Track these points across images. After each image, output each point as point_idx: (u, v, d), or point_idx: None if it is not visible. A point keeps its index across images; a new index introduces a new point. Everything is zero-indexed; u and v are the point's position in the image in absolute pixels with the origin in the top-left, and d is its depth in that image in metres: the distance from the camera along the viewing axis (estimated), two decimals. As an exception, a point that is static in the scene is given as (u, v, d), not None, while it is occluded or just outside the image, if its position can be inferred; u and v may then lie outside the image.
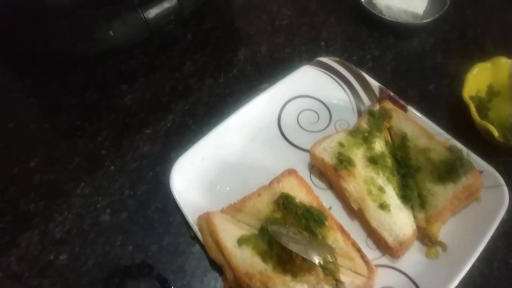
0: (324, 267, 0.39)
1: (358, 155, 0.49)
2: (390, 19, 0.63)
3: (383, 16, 0.63)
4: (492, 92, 0.55)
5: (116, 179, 0.50)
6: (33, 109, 0.57)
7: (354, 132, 0.50)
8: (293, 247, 0.40)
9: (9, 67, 0.59)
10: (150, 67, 0.60)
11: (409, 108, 0.53)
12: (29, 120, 0.55)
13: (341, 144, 0.49)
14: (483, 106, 0.54)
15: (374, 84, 0.55)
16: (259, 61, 0.61)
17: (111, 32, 0.48)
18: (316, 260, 0.39)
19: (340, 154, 0.48)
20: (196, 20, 0.64)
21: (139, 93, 0.57)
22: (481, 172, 0.47)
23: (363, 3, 0.65)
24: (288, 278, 0.41)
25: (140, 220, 0.48)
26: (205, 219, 0.45)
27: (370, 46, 0.63)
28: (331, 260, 0.40)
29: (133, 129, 0.54)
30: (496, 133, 0.48)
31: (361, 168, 0.48)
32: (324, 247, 0.41)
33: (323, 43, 0.63)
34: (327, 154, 0.49)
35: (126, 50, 0.58)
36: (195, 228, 0.45)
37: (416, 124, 0.51)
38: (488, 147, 0.51)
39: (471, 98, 0.52)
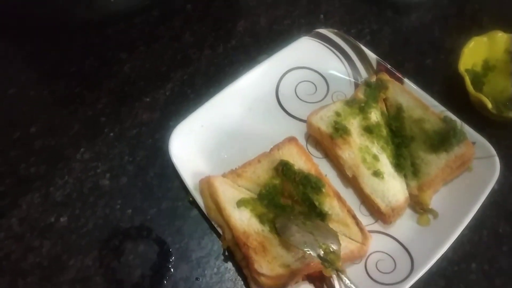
0: (324, 259, 0.39)
1: (354, 124, 0.49)
2: (389, -7, 0.62)
3: (382, -10, 0.63)
4: (488, 67, 0.55)
5: (116, 145, 0.50)
6: (33, 76, 0.56)
7: (351, 102, 0.50)
8: (294, 240, 0.40)
9: (9, 35, 0.58)
10: (150, 36, 0.59)
11: (406, 80, 0.53)
12: (29, 87, 0.55)
13: (337, 114, 0.49)
14: (478, 80, 0.54)
15: (372, 56, 0.55)
16: (258, 33, 0.60)
17: (111, -1, 0.47)
18: (316, 253, 0.39)
19: (336, 123, 0.48)
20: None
21: (139, 62, 0.57)
22: (474, 143, 0.47)
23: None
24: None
25: (139, 185, 0.48)
26: (206, 182, 0.45)
27: (369, 20, 0.62)
28: (334, 249, 0.40)
29: (132, 97, 0.54)
30: (489, 105, 0.48)
31: (357, 137, 0.48)
32: (329, 233, 0.41)
33: (322, 16, 0.62)
34: (323, 123, 0.49)
35: (126, 19, 0.57)
36: (194, 192, 0.46)
37: (411, 95, 0.51)
38: (482, 120, 0.51)
39: (467, 71, 0.52)
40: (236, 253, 0.42)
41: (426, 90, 0.52)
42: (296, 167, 0.45)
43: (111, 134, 0.51)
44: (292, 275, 0.40)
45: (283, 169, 0.45)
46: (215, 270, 0.43)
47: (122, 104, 0.53)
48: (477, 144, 0.47)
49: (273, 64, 0.55)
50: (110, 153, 0.50)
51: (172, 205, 0.47)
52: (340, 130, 0.48)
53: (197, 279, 0.43)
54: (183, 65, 0.57)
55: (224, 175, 0.47)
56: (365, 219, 0.45)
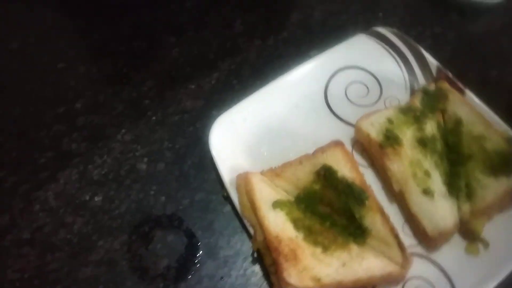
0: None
1: (407, 134, 0.44)
2: (458, -5, 0.56)
3: (450, -9, 0.56)
4: None
5: (157, 130, 0.48)
6: (83, 52, 0.55)
7: (405, 110, 0.45)
8: None
9: (63, 8, 0.57)
10: (200, 22, 0.56)
11: (467, 92, 0.47)
12: (78, 62, 0.53)
13: (390, 121, 0.45)
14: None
15: (432, 62, 0.49)
16: (312, 26, 0.56)
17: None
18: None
19: (388, 131, 0.44)
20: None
21: (187, 47, 0.54)
22: (539, 170, 0.41)
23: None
24: (318, 250, 0.38)
25: (176, 173, 0.46)
26: (244, 179, 0.42)
27: (432, 23, 0.56)
28: None
29: (177, 82, 0.51)
30: None
31: (409, 149, 0.43)
32: None
33: (381, 14, 0.57)
34: (374, 129, 0.44)
35: (177, 1, 0.54)
36: (229, 187, 0.43)
37: (472, 109, 0.45)
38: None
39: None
40: (265, 257, 0.39)
41: (490, 105, 0.46)
42: (339, 174, 0.41)
43: (154, 118, 0.49)
44: (322, 289, 0.36)
45: (325, 174, 0.41)
46: (242, 271, 0.41)
47: (167, 89, 0.51)
48: (543, 172, 0.41)
49: (324, 60, 0.50)
50: (151, 138, 0.48)
51: (206, 198, 0.44)
52: (391, 139, 0.43)
53: (222, 278, 0.40)
54: (231, 54, 0.53)
55: (262, 173, 0.43)
56: (408, 240, 0.40)
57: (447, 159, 0.44)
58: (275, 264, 0.37)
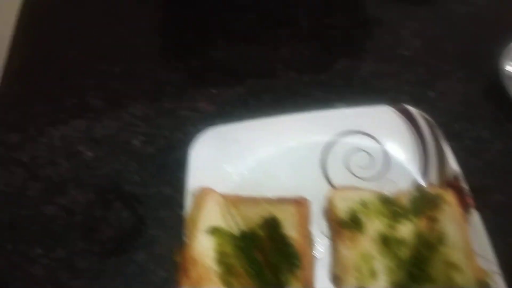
0: None
1: (374, 224, 0.41)
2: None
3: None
4: None
5: (163, 117, 0.51)
6: (144, 27, 0.59)
7: (387, 201, 0.42)
8: None
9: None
10: (251, 36, 0.57)
11: (474, 213, 0.41)
12: (135, 33, 0.58)
13: (364, 204, 0.42)
14: None
15: (453, 166, 0.44)
16: (352, 78, 0.53)
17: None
18: None
19: (354, 213, 0.41)
20: (321, 11, 0.58)
21: (228, 54, 0.56)
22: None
23: (505, 79, 0.50)
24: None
25: (159, 161, 0.48)
26: (203, 193, 0.43)
27: (484, 124, 0.50)
28: None
29: (203, 81, 0.54)
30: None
31: (368, 241, 0.40)
32: None
33: (433, 93, 0.52)
34: (343, 204, 0.42)
35: (240, 10, 0.56)
36: (188, 195, 0.44)
37: (465, 233, 0.40)
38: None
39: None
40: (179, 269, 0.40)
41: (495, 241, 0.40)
42: (285, 231, 0.40)
43: (166, 104, 0.52)
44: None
45: (271, 224, 0.41)
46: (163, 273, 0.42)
47: (191, 85, 0.53)
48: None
49: (342, 116, 0.48)
50: (155, 121, 0.51)
51: (171, 195, 0.46)
52: (354, 223, 0.40)
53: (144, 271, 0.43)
54: (262, 76, 0.54)
55: (223, 195, 0.44)
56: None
57: (405, 270, 0.40)
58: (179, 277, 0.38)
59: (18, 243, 0.44)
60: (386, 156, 0.47)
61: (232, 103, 0.52)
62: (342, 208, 0.42)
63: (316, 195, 0.44)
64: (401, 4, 0.59)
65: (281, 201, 0.42)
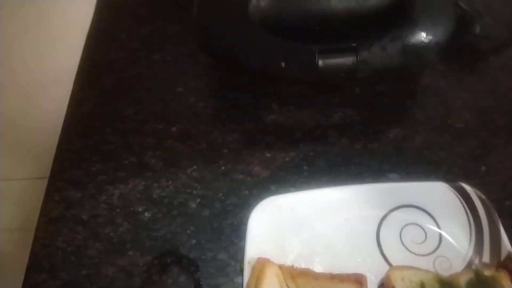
0: None
1: (433, 308, 0.41)
2: None
3: None
4: None
5: (219, 179, 0.53)
6: (199, 85, 0.62)
7: (444, 282, 0.42)
8: None
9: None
10: (305, 101, 0.59)
11: (531, 296, 0.42)
12: (192, 93, 0.61)
13: (422, 285, 0.42)
14: None
15: (507, 246, 0.44)
16: (405, 149, 0.54)
17: (282, 64, 0.48)
18: None
19: (416, 293, 0.42)
20: (373, 79, 0.60)
21: (281, 118, 0.57)
22: None
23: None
24: None
25: (214, 225, 0.50)
26: (261, 264, 0.44)
27: (537, 201, 0.50)
28: None
29: (257, 145, 0.55)
30: None
31: (427, 323, 0.40)
32: None
33: (484, 168, 0.53)
34: (401, 284, 0.42)
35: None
36: (247, 265, 0.45)
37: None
38: None
39: None
40: None
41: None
42: (344, 310, 0.41)
43: (223, 167, 0.54)
44: None
45: (331, 303, 0.41)
46: None
47: (246, 148, 0.55)
48: None
49: (398, 190, 0.49)
50: (211, 184, 0.53)
51: (226, 260, 0.48)
52: (413, 304, 0.41)
53: None
54: (316, 142, 0.55)
55: (281, 267, 0.45)
56: None
57: None
58: None
59: (78, 303, 0.46)
60: (440, 233, 0.47)
61: (286, 169, 0.53)
62: (401, 287, 0.42)
63: (372, 270, 0.45)
64: (452, 74, 0.60)
65: (341, 278, 0.43)
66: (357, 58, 0.48)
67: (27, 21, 2.03)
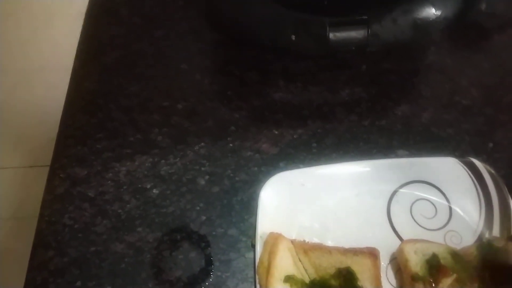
0: None
1: (446, 279, 0.42)
2: None
3: None
4: None
5: (227, 156, 0.52)
6: (205, 63, 0.60)
7: (456, 255, 0.43)
8: None
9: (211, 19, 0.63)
10: (312, 78, 0.58)
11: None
12: (197, 70, 0.59)
13: (435, 257, 0.42)
14: None
15: (516, 218, 0.45)
16: (413, 126, 0.54)
17: (293, 37, 0.47)
18: None
19: (430, 265, 0.42)
20: (379, 56, 0.59)
21: (289, 95, 0.57)
22: None
23: None
24: None
25: (224, 201, 0.49)
26: (274, 239, 0.44)
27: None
28: None
29: (265, 122, 0.55)
30: None
31: (439, 294, 0.41)
32: None
33: (491, 145, 0.53)
34: (415, 257, 0.42)
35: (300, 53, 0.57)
36: (258, 240, 0.45)
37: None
38: None
39: None
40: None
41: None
42: (359, 283, 0.41)
43: (230, 144, 0.53)
44: None
45: (346, 276, 0.41)
46: (234, 318, 0.43)
47: (254, 125, 0.54)
48: None
49: (407, 165, 0.49)
50: (220, 160, 0.52)
51: (237, 236, 0.47)
52: (430, 276, 0.41)
53: (215, 314, 0.43)
54: (324, 119, 0.55)
55: (293, 241, 0.45)
56: None
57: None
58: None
59: (87, 280, 0.45)
60: (450, 207, 0.48)
61: (294, 146, 0.53)
62: (415, 261, 0.42)
63: (383, 244, 0.45)
64: (458, 52, 0.60)
65: (354, 251, 0.43)
66: (368, 31, 0.47)
67: (16, 6, 1.97)
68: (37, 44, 1.82)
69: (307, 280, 0.43)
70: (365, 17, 0.47)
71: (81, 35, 0.63)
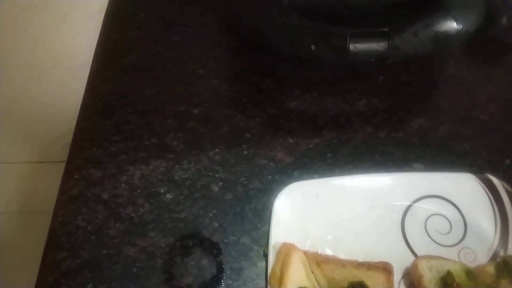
0: None
1: (460, 298, 0.41)
2: None
3: None
4: None
5: (242, 164, 0.52)
6: (222, 69, 0.61)
7: (471, 273, 0.42)
8: None
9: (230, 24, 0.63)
10: (329, 87, 0.58)
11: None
12: (214, 76, 0.60)
13: (449, 275, 0.42)
14: None
15: (533, 239, 0.45)
16: (430, 139, 0.54)
17: (312, 47, 0.47)
18: None
19: (444, 282, 0.41)
20: (397, 67, 0.59)
21: (305, 104, 0.57)
22: None
23: None
24: None
25: (237, 209, 0.49)
26: (287, 249, 0.44)
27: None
28: None
29: (280, 131, 0.55)
30: None
31: (454, 313, 0.40)
32: None
33: (508, 161, 0.52)
34: (429, 274, 0.42)
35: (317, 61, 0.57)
36: (271, 249, 0.45)
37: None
38: None
39: None
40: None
41: None
42: (371, 297, 0.41)
43: (245, 152, 0.53)
44: None
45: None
46: (244, 328, 0.43)
47: (269, 133, 0.54)
48: None
49: (423, 180, 0.49)
50: (234, 167, 0.52)
51: (249, 245, 0.47)
52: (443, 293, 0.41)
53: (225, 323, 0.43)
54: (339, 129, 0.54)
55: (306, 253, 0.45)
56: None
57: None
58: None
59: (99, 283, 0.45)
60: (465, 223, 0.47)
61: (309, 155, 0.53)
62: (429, 278, 0.42)
63: (395, 258, 0.44)
64: (477, 66, 0.60)
65: (368, 265, 0.43)
66: (389, 43, 0.47)
67: (31, 2, 1.99)
68: (50, 42, 1.84)
69: (319, 292, 0.42)
70: (386, 29, 0.47)
71: (99, 38, 0.63)
